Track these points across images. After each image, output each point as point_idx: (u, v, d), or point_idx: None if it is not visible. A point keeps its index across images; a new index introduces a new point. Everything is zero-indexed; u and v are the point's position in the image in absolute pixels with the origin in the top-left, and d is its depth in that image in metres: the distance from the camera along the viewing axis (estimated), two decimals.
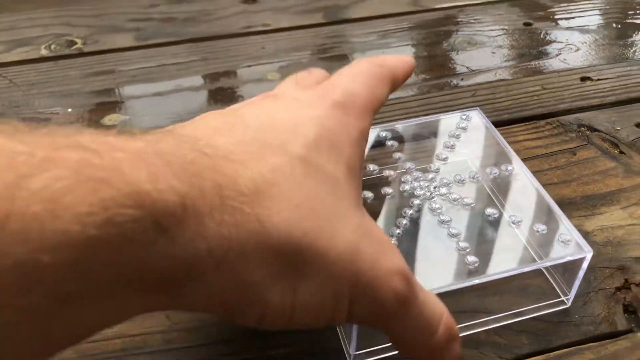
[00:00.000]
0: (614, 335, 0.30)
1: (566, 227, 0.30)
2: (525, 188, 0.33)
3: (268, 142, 0.21)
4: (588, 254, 0.29)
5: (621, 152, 0.40)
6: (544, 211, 0.31)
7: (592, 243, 0.34)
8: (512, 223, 0.31)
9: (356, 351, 0.28)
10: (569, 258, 0.29)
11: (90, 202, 0.15)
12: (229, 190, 0.19)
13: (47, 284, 0.15)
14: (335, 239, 0.20)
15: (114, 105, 0.44)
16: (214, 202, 0.18)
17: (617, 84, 0.46)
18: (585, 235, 0.35)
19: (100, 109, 0.44)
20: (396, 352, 0.28)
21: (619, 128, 0.42)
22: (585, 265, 0.29)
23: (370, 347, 0.28)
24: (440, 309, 0.23)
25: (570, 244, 0.29)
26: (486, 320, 0.30)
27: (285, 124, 0.22)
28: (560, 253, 0.29)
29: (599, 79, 0.47)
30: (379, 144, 0.36)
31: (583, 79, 0.47)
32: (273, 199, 0.20)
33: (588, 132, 0.42)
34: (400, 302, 0.22)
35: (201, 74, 0.47)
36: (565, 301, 0.31)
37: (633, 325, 0.31)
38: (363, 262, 0.21)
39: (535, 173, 0.38)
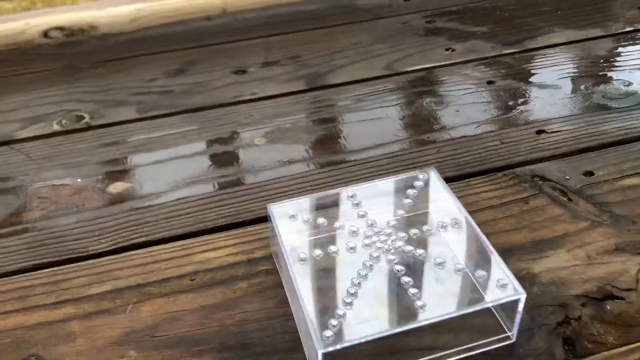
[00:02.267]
0: None
1: (504, 272, 0.34)
2: (470, 239, 0.37)
3: None
4: (522, 295, 0.33)
5: (569, 200, 0.45)
6: (485, 259, 0.36)
7: (538, 284, 0.39)
8: (457, 271, 0.36)
9: None
10: (505, 300, 0.33)
11: None
12: None
13: None
14: None
15: (119, 174, 0.50)
16: None
17: (569, 136, 0.51)
18: (532, 277, 0.39)
19: (107, 178, 0.49)
20: None
21: (568, 177, 0.47)
22: (521, 305, 0.34)
23: None
24: None
25: (506, 288, 0.34)
26: (441, 356, 0.34)
27: None
28: (498, 295, 0.34)
29: (552, 132, 0.52)
30: (344, 203, 0.41)
31: (539, 132, 0.52)
32: None
33: (540, 182, 0.47)
34: None
35: (194, 142, 0.53)
36: (511, 336, 0.35)
37: (570, 356, 0.35)
38: None
39: (489, 222, 0.43)
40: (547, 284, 0.39)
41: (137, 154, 0.52)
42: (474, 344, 0.35)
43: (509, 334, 0.35)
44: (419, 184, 0.41)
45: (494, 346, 0.35)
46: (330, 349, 0.31)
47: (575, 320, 0.37)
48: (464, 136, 0.52)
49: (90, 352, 0.36)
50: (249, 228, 0.44)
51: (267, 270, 0.41)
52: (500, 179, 0.47)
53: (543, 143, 0.51)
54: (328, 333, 0.32)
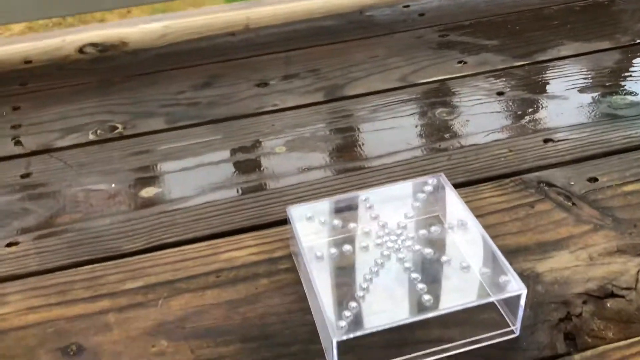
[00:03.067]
0: (554, 357, 0.37)
1: (507, 270, 0.37)
2: (476, 239, 0.40)
3: None
4: (523, 290, 0.36)
5: (573, 204, 0.48)
6: (490, 258, 0.38)
7: (541, 283, 0.41)
8: (463, 268, 0.39)
9: None
10: (507, 295, 0.36)
11: None
12: None
13: None
14: None
15: (150, 180, 0.53)
16: None
17: (575, 144, 0.54)
18: (536, 276, 0.42)
19: (139, 184, 0.53)
20: None
21: (573, 183, 0.50)
22: (522, 300, 0.36)
23: None
24: None
25: (509, 284, 0.36)
26: (448, 347, 0.37)
27: None
28: (501, 291, 0.36)
29: (559, 140, 0.54)
30: (358, 206, 0.44)
31: (546, 140, 0.55)
32: None
33: (546, 188, 0.49)
34: None
35: (219, 150, 0.57)
36: (514, 330, 0.38)
37: (571, 349, 0.37)
38: None
39: (496, 224, 0.46)
40: (550, 283, 0.41)
41: (166, 161, 0.55)
42: (480, 337, 0.37)
43: (512, 328, 0.38)
44: (428, 188, 0.44)
45: (499, 340, 0.38)
46: (344, 337, 0.34)
47: (577, 317, 0.39)
48: (474, 144, 0.55)
49: (125, 341, 0.39)
50: (270, 230, 0.47)
51: (286, 268, 0.44)
52: (507, 184, 0.50)
53: (550, 151, 0.53)
54: (342, 323, 0.35)
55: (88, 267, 0.45)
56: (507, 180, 0.50)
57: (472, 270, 0.39)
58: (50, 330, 0.40)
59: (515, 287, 0.36)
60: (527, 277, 0.41)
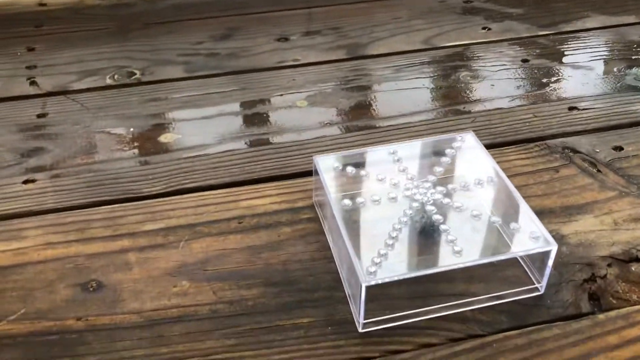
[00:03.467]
0: (579, 316, 0.37)
1: (537, 226, 0.37)
2: (505, 196, 0.40)
3: None
4: (553, 247, 0.36)
5: (598, 171, 0.47)
6: (520, 214, 0.38)
7: (566, 244, 0.41)
8: (492, 222, 0.38)
9: (365, 320, 0.35)
10: (537, 250, 0.36)
11: None
12: None
13: None
14: None
15: (169, 126, 0.53)
16: None
17: (600, 113, 0.53)
18: (561, 238, 0.41)
19: (157, 129, 0.52)
20: (402, 321, 0.35)
21: (598, 150, 0.49)
22: (552, 256, 0.36)
23: (378, 317, 0.35)
24: None
25: (539, 239, 0.36)
26: (472, 301, 0.37)
27: None
28: (531, 246, 0.36)
29: (584, 109, 0.54)
30: (385, 159, 0.43)
31: (571, 108, 0.54)
32: None
33: (571, 154, 0.49)
34: None
35: (240, 101, 0.56)
36: (539, 288, 0.38)
37: (595, 309, 0.37)
38: None
39: (521, 187, 0.45)
40: (575, 245, 0.41)
41: (185, 109, 0.55)
42: (504, 292, 0.37)
43: (537, 285, 0.38)
44: (457, 144, 0.43)
45: (523, 296, 0.38)
46: (373, 282, 0.33)
47: (601, 278, 0.39)
48: (499, 108, 0.54)
49: (146, 280, 0.39)
50: (292, 181, 0.47)
51: (309, 218, 0.43)
52: (532, 149, 0.49)
53: (575, 119, 0.53)
54: (372, 269, 0.35)
55: (107, 207, 0.44)
56: (532, 145, 0.50)
57: (502, 225, 0.38)
58: (70, 265, 0.40)
59: (546, 243, 0.36)
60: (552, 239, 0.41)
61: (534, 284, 0.38)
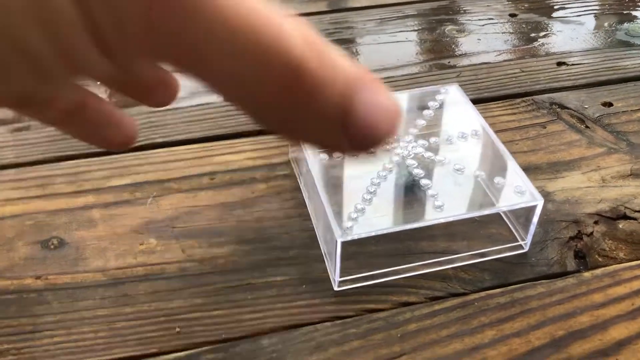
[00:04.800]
0: (564, 274, 0.35)
1: (522, 181, 0.35)
2: (490, 151, 0.38)
3: None
4: (539, 201, 0.34)
5: (587, 127, 0.45)
6: (504, 168, 0.36)
7: (552, 201, 0.39)
8: (476, 177, 0.37)
9: (340, 277, 0.33)
10: (522, 205, 0.34)
11: None
12: None
13: None
14: None
15: None
16: None
17: (589, 69, 0.51)
18: (547, 195, 0.40)
19: None
20: (380, 279, 0.34)
21: (586, 106, 0.47)
22: (538, 212, 0.34)
23: (355, 275, 0.34)
24: (277, 14, 0.14)
25: (524, 194, 0.34)
26: (454, 258, 0.35)
27: None
28: (516, 201, 0.34)
29: (573, 64, 0.52)
30: None
31: (559, 63, 0.52)
32: None
33: (558, 109, 0.47)
34: None
35: None
36: (523, 245, 0.36)
37: (581, 267, 0.36)
38: None
39: (507, 143, 0.44)
40: (561, 202, 0.39)
41: None
42: (487, 249, 0.36)
43: (521, 242, 0.36)
44: (441, 97, 0.41)
45: (507, 254, 0.36)
46: (349, 238, 0.32)
47: (587, 236, 0.38)
48: (485, 63, 0.52)
49: (111, 238, 0.37)
50: (268, 137, 0.44)
51: (285, 175, 0.41)
52: (518, 104, 0.47)
53: (563, 74, 0.51)
54: (348, 224, 0.33)
55: (71, 162, 0.42)
56: (519, 100, 0.48)
57: (486, 180, 0.36)
58: (30, 222, 0.38)
59: (532, 198, 0.34)
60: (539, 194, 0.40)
61: (518, 241, 0.36)
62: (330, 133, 0.15)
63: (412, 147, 0.38)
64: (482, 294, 0.34)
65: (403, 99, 0.41)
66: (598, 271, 0.35)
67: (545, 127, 0.45)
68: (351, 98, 0.14)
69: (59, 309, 0.33)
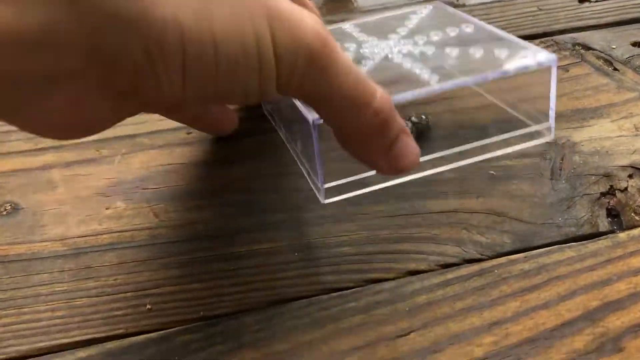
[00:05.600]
0: (596, 235, 0.30)
1: (527, 46, 0.30)
2: (488, 33, 0.33)
3: None
4: (552, 62, 0.28)
5: (615, 69, 0.40)
6: (504, 43, 0.31)
7: (579, 153, 0.34)
8: (476, 53, 0.31)
9: (326, 184, 0.28)
10: (534, 64, 0.28)
11: None
12: None
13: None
14: None
15: None
16: None
17: (615, 5, 0.46)
18: (573, 145, 0.35)
19: None
20: (366, 189, 0.29)
21: (614, 47, 0.42)
22: (553, 78, 0.29)
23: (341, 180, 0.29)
24: (372, 86, 0.23)
25: (538, 53, 0.29)
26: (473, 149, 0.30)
27: None
28: (525, 63, 0.29)
29: (597, 0, 0.46)
30: (350, 30, 0.36)
31: (581, 0, 0.46)
32: None
33: (582, 51, 0.42)
34: (317, 54, 0.21)
35: None
36: (546, 131, 0.31)
37: (615, 227, 0.31)
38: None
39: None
40: (589, 153, 0.34)
41: None
42: (509, 136, 0.31)
43: (542, 128, 0.31)
44: (426, 10, 0.36)
45: (531, 142, 0.31)
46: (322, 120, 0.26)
47: (621, 191, 0.33)
48: (498, 1, 0.46)
49: (74, 201, 0.32)
50: None
51: (272, 127, 0.36)
52: (537, 45, 0.42)
53: (586, 12, 0.45)
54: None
55: None
56: (537, 42, 0.42)
57: (488, 53, 0.31)
58: None
59: (543, 57, 0.28)
60: (563, 147, 0.35)
61: (541, 122, 0.31)
62: (378, 158, 0.25)
63: (402, 45, 0.33)
64: (503, 259, 0.29)
65: (387, 18, 0.36)
66: (635, 231, 0.31)
67: (568, 71, 0.40)
68: (397, 139, 0.24)
69: (11, 285, 0.28)
